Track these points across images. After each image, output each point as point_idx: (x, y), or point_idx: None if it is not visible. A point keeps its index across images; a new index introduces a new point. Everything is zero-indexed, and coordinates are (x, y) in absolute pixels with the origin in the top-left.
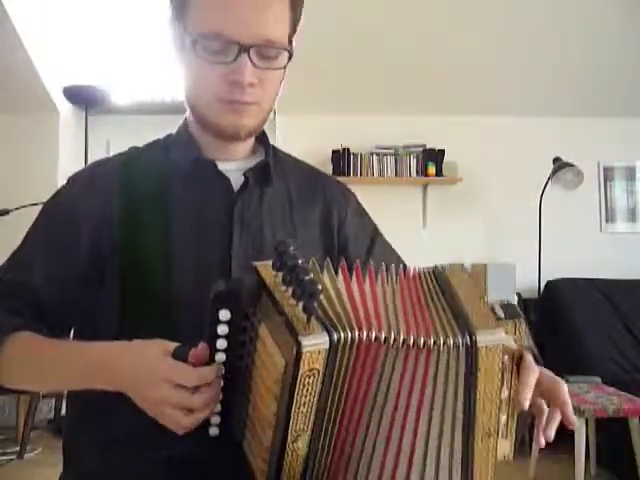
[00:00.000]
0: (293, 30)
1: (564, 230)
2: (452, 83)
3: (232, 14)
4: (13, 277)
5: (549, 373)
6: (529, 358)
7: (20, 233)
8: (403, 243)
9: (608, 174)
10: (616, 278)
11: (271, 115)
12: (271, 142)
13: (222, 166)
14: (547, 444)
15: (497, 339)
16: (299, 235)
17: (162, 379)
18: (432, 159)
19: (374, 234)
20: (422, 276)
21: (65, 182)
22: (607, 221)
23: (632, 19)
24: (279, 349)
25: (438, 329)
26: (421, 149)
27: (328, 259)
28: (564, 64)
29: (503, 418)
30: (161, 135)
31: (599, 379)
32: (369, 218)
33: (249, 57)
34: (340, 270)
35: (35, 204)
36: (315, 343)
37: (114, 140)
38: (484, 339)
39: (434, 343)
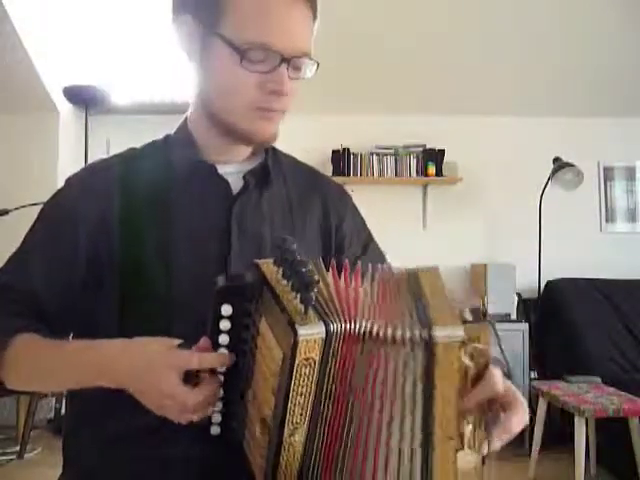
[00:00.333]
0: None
1: (564, 230)
2: (452, 83)
3: (278, 26)
4: (12, 280)
5: (514, 391)
6: (495, 371)
7: (20, 233)
8: (403, 243)
9: (608, 174)
10: (616, 278)
11: None
12: None
13: (221, 168)
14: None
15: (455, 335)
16: (297, 237)
17: (169, 366)
18: (432, 159)
19: (368, 240)
20: (398, 276)
21: (63, 184)
22: (607, 221)
23: (632, 19)
24: (277, 342)
25: (398, 324)
26: (421, 149)
27: (320, 259)
28: (564, 64)
29: (469, 428)
30: (161, 135)
31: (599, 379)
32: (364, 223)
33: (287, 68)
34: (330, 269)
35: (35, 204)
36: (312, 332)
37: (114, 140)
38: (441, 334)
39: (394, 336)
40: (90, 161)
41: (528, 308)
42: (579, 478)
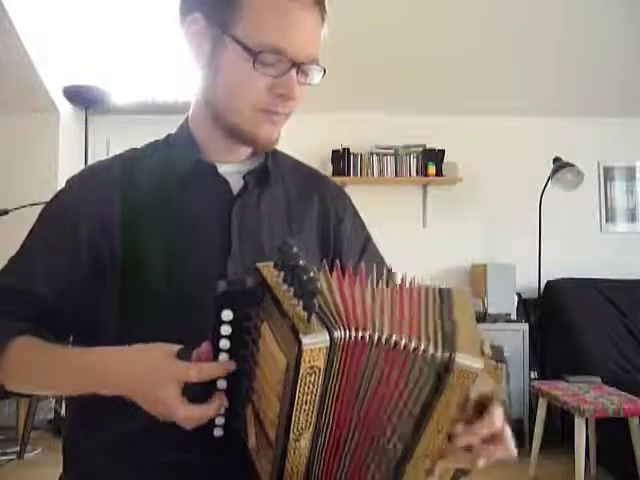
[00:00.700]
0: None
1: (564, 230)
2: (452, 83)
3: (293, 31)
4: (13, 281)
5: (507, 430)
6: (497, 411)
7: (20, 233)
8: (403, 243)
9: (608, 174)
10: (616, 278)
11: None
12: None
13: (222, 169)
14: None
15: (473, 367)
16: (296, 237)
17: (169, 379)
18: (432, 159)
19: (367, 242)
20: (426, 289)
21: (64, 185)
22: (607, 221)
23: (632, 19)
24: (280, 348)
25: (422, 337)
26: (421, 149)
27: (324, 261)
28: (564, 64)
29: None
30: (161, 135)
31: (599, 379)
32: (363, 224)
33: (296, 73)
34: (335, 272)
35: (35, 204)
36: (316, 341)
37: (114, 140)
38: (462, 362)
39: (413, 348)
40: (90, 161)
41: (528, 308)
42: (579, 478)
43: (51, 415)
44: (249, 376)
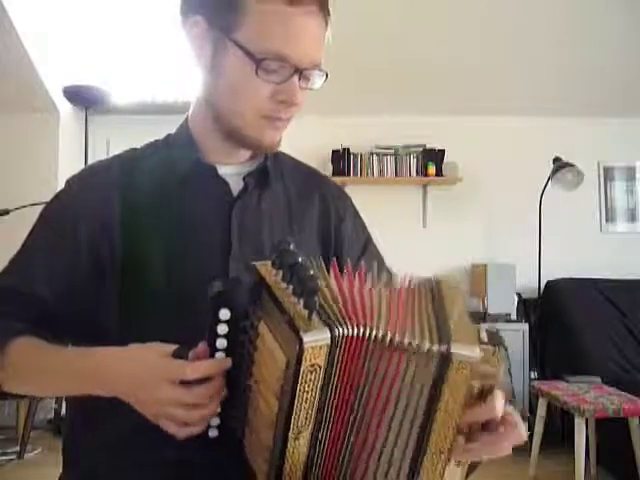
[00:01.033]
0: None
1: (564, 230)
2: (452, 83)
3: (296, 37)
4: (14, 282)
5: (514, 416)
6: (498, 396)
7: (20, 233)
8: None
9: (608, 174)
10: (616, 278)
11: None
12: None
13: (222, 170)
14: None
15: (471, 356)
16: (297, 237)
17: (164, 378)
18: (432, 159)
19: (367, 242)
20: (418, 284)
21: (64, 185)
22: (607, 221)
23: (632, 19)
24: (280, 346)
25: (412, 332)
26: (421, 149)
27: (321, 259)
28: (564, 64)
29: (459, 443)
30: (161, 135)
31: (599, 379)
32: (364, 225)
33: (299, 78)
34: (332, 270)
35: (35, 204)
36: (317, 339)
37: (114, 140)
38: (458, 352)
39: (409, 344)
40: (90, 161)
41: (528, 308)
42: (579, 478)
43: (51, 415)
44: (246, 375)
